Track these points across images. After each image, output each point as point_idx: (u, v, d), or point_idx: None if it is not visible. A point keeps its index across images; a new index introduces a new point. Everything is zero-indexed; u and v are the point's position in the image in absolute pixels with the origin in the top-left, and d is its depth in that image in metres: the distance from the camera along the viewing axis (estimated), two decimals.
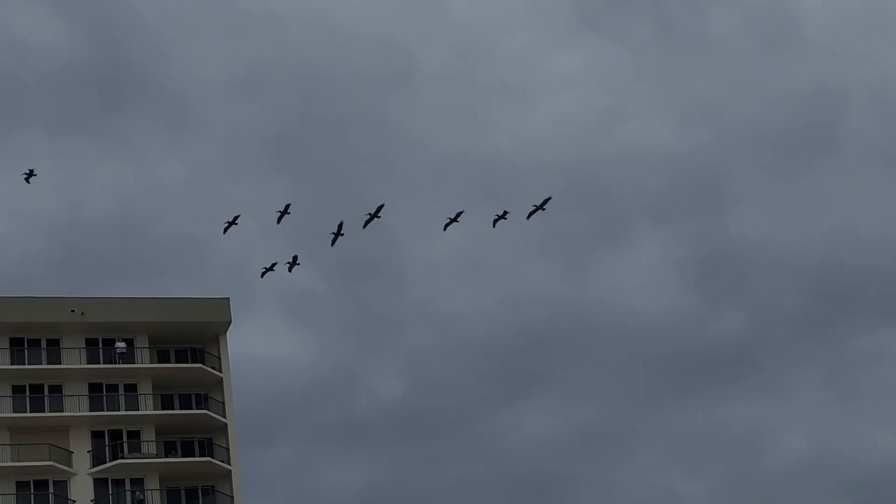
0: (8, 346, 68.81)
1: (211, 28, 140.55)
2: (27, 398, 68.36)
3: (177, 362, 71.74)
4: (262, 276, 62.33)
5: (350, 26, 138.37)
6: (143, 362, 70.57)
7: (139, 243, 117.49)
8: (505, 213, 58.14)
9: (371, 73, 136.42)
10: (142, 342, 71.08)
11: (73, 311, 69.89)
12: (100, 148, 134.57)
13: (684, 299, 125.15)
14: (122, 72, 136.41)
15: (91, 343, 70.71)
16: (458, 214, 58.04)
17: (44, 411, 68.19)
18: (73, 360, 69.57)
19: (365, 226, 58.24)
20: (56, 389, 69.08)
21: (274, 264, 61.24)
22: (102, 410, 68.89)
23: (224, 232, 61.64)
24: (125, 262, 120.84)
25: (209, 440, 70.99)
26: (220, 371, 71.49)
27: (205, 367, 70.88)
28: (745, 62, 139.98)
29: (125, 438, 68.61)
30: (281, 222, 59.01)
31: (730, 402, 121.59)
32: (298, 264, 61.11)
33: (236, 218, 60.70)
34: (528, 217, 57.85)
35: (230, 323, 72.29)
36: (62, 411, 68.36)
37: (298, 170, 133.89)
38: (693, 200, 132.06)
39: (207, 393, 71.27)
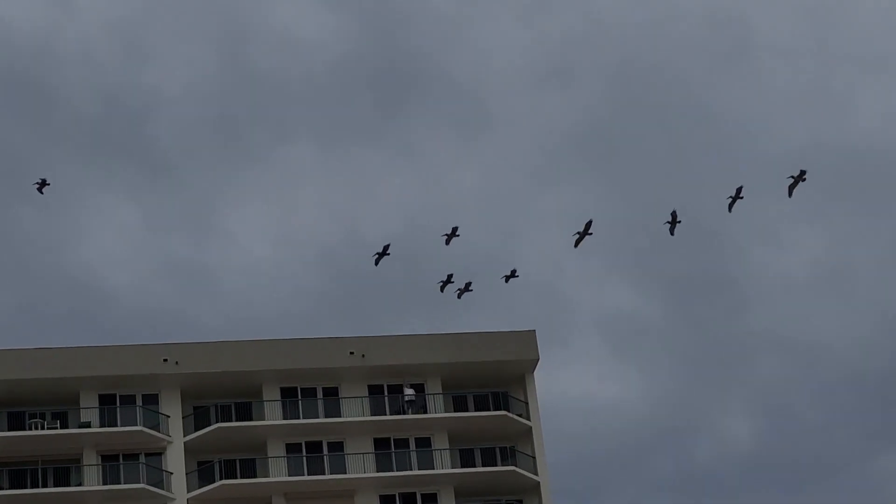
0: (279, 398, 62.34)
1: (507, 7, 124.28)
2: (304, 458, 61.89)
3: (476, 410, 64.49)
4: (375, 263, 56.73)
5: None
6: (437, 411, 63.33)
7: (428, 269, 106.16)
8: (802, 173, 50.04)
9: (697, 48, 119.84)
10: (434, 387, 63.74)
11: (351, 353, 63.04)
12: (379, 159, 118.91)
13: None
14: (401, 67, 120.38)
15: (375, 390, 64.02)
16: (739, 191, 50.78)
17: (324, 473, 61.60)
18: (355, 412, 62.67)
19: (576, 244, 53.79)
20: (336, 447, 62.47)
21: (387, 246, 56.13)
22: (392, 470, 62.11)
23: (376, 264, 56.75)
24: (412, 292, 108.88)
25: (518, 502, 63.31)
26: (528, 419, 63.59)
27: (510, 414, 62.82)
28: None
29: (420, 502, 61.97)
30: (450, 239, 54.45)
31: None
32: (458, 235, 55.66)
33: (387, 247, 56.33)
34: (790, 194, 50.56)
35: (538, 360, 64.05)
36: (345, 473, 61.58)
37: (614, 169, 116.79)
38: None
39: (514, 445, 63.59)
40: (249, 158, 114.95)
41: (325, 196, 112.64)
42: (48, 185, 56.09)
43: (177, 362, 60.57)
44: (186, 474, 59.59)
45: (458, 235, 55.96)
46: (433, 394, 62.92)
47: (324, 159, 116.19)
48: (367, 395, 62.78)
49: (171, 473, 59.26)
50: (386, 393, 63.08)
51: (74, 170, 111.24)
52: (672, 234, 51.99)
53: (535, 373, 63.86)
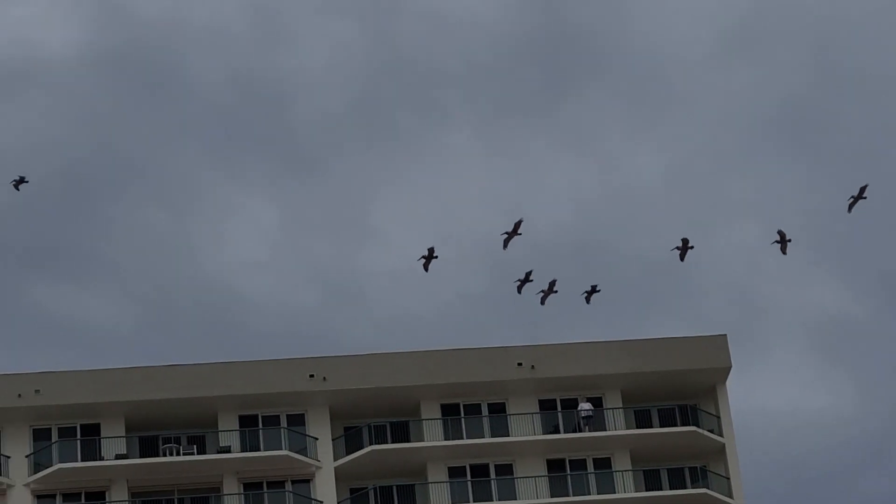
0: (440, 416, 60.55)
1: None
2: (468, 483, 60.02)
3: (662, 426, 61.89)
4: (425, 269, 55.04)
5: None
6: (617, 428, 60.75)
7: (604, 266, 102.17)
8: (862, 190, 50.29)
9: None
10: (613, 401, 61.48)
11: (520, 364, 60.64)
12: (546, 144, 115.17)
13: None
14: (569, 42, 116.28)
15: (546, 406, 61.74)
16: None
17: (491, 500, 59.73)
18: (525, 430, 60.48)
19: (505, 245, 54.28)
20: (505, 470, 60.33)
21: (529, 273, 54.91)
22: (567, 496, 59.84)
23: (425, 269, 55.16)
24: (579, 291, 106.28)
25: None
26: (721, 434, 60.81)
27: (700, 430, 60.23)
28: None
29: None
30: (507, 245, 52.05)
31: None
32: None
33: (432, 251, 54.68)
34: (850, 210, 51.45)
35: (730, 368, 61.28)
36: (515, 499, 59.41)
37: (815, 152, 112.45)
38: None
39: (705, 465, 61.09)
40: (401, 148, 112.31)
41: (487, 187, 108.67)
42: (26, 181, 55.88)
43: (324, 378, 58.90)
44: (338, 503, 57.85)
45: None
46: (612, 408, 60.89)
47: (485, 146, 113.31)
48: (538, 410, 60.77)
49: (322, 502, 57.32)
50: (559, 408, 61.23)
51: (207, 166, 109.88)
52: (850, 211, 50.44)
53: (727, 383, 61.38)
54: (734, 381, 60.61)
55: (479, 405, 60.53)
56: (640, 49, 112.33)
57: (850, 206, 51.60)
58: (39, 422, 57.45)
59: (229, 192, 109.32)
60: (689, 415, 61.12)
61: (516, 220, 52.35)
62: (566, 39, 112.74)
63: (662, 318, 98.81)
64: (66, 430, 58.15)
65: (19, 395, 56.67)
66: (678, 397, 61.86)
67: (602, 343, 61.36)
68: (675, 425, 60.55)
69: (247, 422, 58.51)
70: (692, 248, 50.53)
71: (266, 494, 57.54)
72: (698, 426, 59.98)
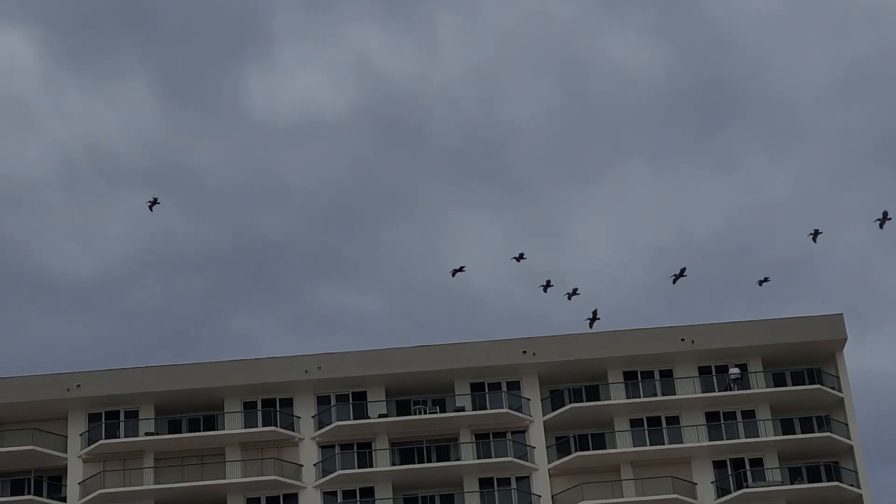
0: (622, 381, 70.10)
1: (807, 31, 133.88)
2: (645, 431, 69.41)
3: (793, 384, 70.72)
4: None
5: None
6: (759, 387, 69.87)
7: (748, 263, 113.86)
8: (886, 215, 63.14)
9: None
10: (755, 366, 70.37)
11: (682, 339, 70.16)
12: (703, 168, 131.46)
13: None
14: (718, 88, 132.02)
15: (704, 371, 70.86)
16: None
17: (663, 444, 68.93)
18: (688, 390, 69.86)
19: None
20: (673, 421, 69.76)
21: (684, 269, 66.76)
22: (722, 439, 68.86)
23: (453, 276, 68.62)
24: (734, 284, 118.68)
25: (835, 464, 69.37)
26: (840, 391, 69.68)
27: (823, 387, 69.22)
28: None
29: (748, 467, 68.36)
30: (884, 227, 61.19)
31: None
32: (463, 270, 67.68)
33: (683, 270, 67.15)
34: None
35: (846, 340, 70.39)
36: (681, 443, 68.85)
37: None
38: None
39: (828, 415, 69.75)
40: (591, 176, 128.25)
41: (657, 205, 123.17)
42: (158, 203, 67.11)
43: (534, 354, 69.18)
44: (546, 448, 68.21)
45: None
46: (755, 372, 69.73)
47: (655, 174, 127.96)
48: (697, 375, 70.04)
49: (534, 448, 67.93)
50: (714, 373, 70.37)
51: (443, 193, 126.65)
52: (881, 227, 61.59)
53: (844, 351, 70.14)
54: (850, 350, 69.68)
55: (652, 371, 70.26)
56: (772, 92, 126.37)
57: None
58: (321, 391, 69.34)
59: (461, 214, 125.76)
60: (814, 376, 70.21)
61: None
62: (714, 86, 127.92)
63: (794, 301, 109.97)
64: (341, 396, 69.54)
65: (306, 371, 68.56)
66: (806, 362, 70.96)
67: (746, 322, 70.58)
68: (804, 384, 69.62)
69: (476, 388, 69.54)
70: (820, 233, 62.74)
71: (492, 442, 68.31)
72: (822, 384, 69.19)
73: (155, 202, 67.88)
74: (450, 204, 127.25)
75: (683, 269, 68.04)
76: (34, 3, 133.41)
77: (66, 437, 69.13)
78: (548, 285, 68.00)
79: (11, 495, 67.92)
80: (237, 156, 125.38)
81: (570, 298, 67.80)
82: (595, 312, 68.11)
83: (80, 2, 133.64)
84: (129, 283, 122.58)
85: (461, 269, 68.73)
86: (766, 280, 68.95)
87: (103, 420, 69.69)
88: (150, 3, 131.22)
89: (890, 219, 65.39)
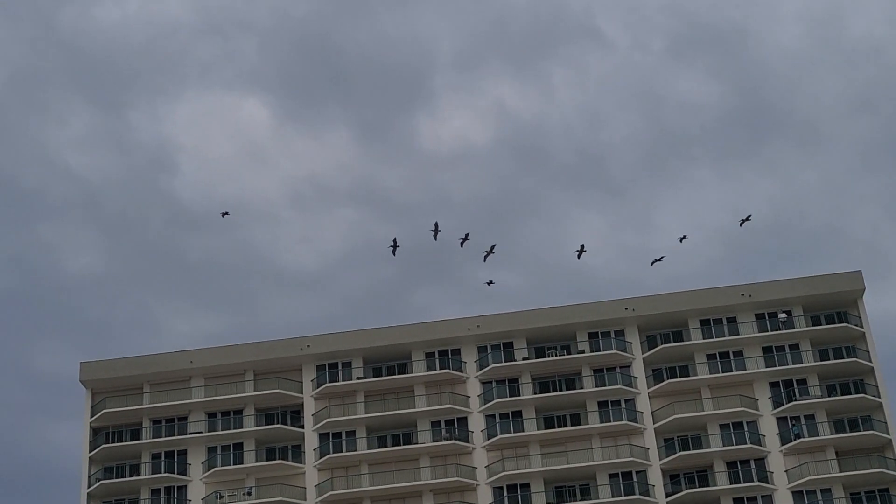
0: (699, 326, 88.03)
1: (826, 63, 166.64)
2: (718, 363, 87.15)
3: (826, 324, 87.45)
4: (578, 256, 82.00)
5: None
6: (801, 327, 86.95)
7: (790, 235, 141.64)
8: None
9: None
10: (797, 312, 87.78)
11: (742, 294, 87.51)
12: (752, 170, 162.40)
13: None
14: (761, 109, 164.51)
15: (759, 317, 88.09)
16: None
17: (731, 371, 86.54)
18: (748, 331, 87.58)
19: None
20: (738, 354, 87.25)
21: (582, 246, 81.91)
22: (775, 366, 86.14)
23: (578, 257, 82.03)
24: (781, 251, 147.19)
25: (861, 381, 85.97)
26: (862, 327, 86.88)
27: (849, 325, 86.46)
28: None
29: (796, 386, 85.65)
30: None
31: None
32: (440, 231, 79.42)
33: (582, 247, 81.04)
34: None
35: (864, 290, 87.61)
36: (745, 370, 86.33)
37: None
38: None
39: (854, 345, 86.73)
40: (669, 180, 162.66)
41: (718, 199, 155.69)
42: (228, 214, 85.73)
43: (633, 309, 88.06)
44: (645, 377, 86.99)
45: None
46: (797, 316, 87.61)
47: (717, 176, 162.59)
48: (754, 320, 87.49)
49: (636, 377, 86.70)
50: (767, 318, 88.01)
51: (563, 197, 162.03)
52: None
53: (863, 298, 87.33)
54: (869, 297, 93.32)
55: (721, 318, 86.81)
56: (802, 110, 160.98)
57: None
58: (481, 342, 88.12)
59: (577, 212, 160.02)
60: (842, 317, 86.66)
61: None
62: (758, 109, 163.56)
63: (824, 262, 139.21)
64: (494, 346, 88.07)
65: (468, 329, 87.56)
66: (836, 307, 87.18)
67: (789, 280, 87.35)
68: (835, 323, 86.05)
69: (592, 336, 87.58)
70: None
71: (605, 375, 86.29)
72: (848, 323, 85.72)
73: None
74: (568, 205, 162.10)
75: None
76: (265, 77, 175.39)
77: (301, 382, 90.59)
78: (582, 250, 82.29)
79: (266, 425, 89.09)
80: (414, 178, 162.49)
81: (652, 265, 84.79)
82: (582, 246, 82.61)
83: (297, 73, 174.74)
84: (341, 273, 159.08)
85: (583, 249, 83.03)
86: (491, 251, 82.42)
87: (327, 369, 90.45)
88: (347, 71, 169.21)
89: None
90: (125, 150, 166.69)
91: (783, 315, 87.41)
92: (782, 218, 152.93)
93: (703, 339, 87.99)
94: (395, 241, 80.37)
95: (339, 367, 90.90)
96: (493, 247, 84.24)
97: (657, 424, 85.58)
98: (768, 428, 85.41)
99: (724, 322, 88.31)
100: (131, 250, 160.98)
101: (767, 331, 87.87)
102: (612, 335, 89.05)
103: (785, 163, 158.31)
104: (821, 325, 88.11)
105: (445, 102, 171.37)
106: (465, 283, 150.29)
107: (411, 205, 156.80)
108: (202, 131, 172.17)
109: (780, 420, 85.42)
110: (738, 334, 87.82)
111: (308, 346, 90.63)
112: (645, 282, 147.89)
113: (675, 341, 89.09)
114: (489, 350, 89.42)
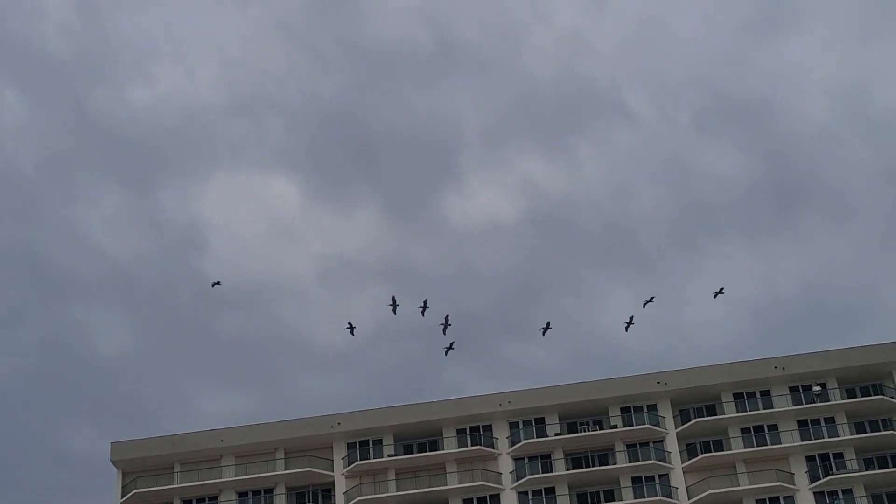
0: (732, 400, 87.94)
1: (853, 136, 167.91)
2: (753, 436, 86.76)
3: (861, 396, 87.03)
4: (626, 329, 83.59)
5: None
6: (836, 399, 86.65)
7: (822, 307, 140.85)
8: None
9: None
10: (832, 384, 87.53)
11: (776, 367, 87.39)
12: (782, 242, 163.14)
13: None
14: (789, 181, 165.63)
15: (793, 389, 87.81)
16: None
17: (766, 444, 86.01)
18: (782, 404, 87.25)
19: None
20: (773, 427, 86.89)
21: (632, 319, 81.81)
22: (811, 440, 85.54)
23: (626, 329, 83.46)
24: (813, 323, 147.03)
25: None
26: None
27: (885, 397, 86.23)
28: None
29: (832, 459, 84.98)
30: None
31: None
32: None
33: (395, 300, 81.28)
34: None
35: None
36: (780, 444, 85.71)
37: None
38: None
39: (890, 417, 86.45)
40: (698, 252, 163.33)
41: (748, 271, 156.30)
42: (219, 284, 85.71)
43: (665, 384, 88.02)
44: (679, 452, 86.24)
45: (398, 304, 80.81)
46: (832, 388, 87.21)
47: (745, 249, 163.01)
48: (788, 393, 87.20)
49: (670, 452, 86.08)
50: (801, 391, 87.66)
51: (592, 271, 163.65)
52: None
53: None
54: None
55: (755, 392, 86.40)
56: (830, 182, 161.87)
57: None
58: (512, 418, 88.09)
59: (606, 284, 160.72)
60: (878, 389, 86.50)
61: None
62: (786, 180, 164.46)
63: (858, 334, 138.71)
64: (526, 421, 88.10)
65: (500, 405, 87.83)
66: (870, 379, 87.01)
67: (823, 352, 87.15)
68: (870, 395, 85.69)
69: (624, 410, 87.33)
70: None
71: (639, 450, 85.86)
72: (884, 395, 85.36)
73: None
74: (597, 278, 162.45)
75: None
76: (294, 155, 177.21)
77: (332, 460, 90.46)
78: (547, 328, 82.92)
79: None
80: (443, 253, 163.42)
81: (644, 306, 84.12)
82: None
83: (326, 151, 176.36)
84: (370, 350, 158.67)
85: (631, 322, 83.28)
86: (548, 327, 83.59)
87: (358, 447, 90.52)
88: (375, 151, 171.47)
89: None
90: (156, 229, 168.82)
91: (817, 388, 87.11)
92: (813, 290, 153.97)
93: (737, 412, 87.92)
94: (393, 298, 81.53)
95: (370, 444, 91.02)
96: (548, 323, 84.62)
97: (692, 500, 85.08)
98: (805, 503, 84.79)
99: (758, 395, 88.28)
100: (162, 329, 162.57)
101: (802, 403, 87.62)
102: (645, 410, 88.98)
103: (814, 234, 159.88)
104: (856, 397, 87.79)
105: (473, 178, 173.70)
106: (496, 359, 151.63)
107: (441, 280, 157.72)
108: (231, 210, 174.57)
109: (818, 494, 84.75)
110: (773, 407, 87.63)
111: (339, 423, 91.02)
112: (677, 356, 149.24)
113: (708, 415, 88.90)
114: (521, 426, 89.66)
